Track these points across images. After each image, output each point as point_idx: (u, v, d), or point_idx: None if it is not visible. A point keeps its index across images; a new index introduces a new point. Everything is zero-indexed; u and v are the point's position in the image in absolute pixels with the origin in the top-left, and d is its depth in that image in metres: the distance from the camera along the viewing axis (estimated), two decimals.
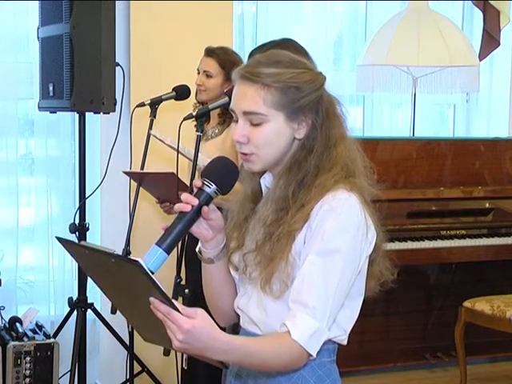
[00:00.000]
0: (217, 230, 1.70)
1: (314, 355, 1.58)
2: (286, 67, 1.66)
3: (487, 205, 4.38)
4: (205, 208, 1.62)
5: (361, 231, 1.63)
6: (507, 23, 4.88)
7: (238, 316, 1.79)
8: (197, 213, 1.62)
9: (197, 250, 1.77)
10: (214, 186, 1.63)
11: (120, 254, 1.41)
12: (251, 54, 2.84)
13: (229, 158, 1.73)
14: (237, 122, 1.69)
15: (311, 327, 1.56)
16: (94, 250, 1.48)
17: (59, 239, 1.57)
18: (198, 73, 3.46)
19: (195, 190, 1.64)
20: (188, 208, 1.61)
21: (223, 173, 1.66)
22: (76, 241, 1.44)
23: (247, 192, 1.78)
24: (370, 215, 1.67)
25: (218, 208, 1.71)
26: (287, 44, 2.75)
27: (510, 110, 5.11)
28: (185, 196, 1.62)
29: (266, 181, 1.75)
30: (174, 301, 1.43)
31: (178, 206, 1.62)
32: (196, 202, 1.61)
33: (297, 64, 1.69)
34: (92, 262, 1.56)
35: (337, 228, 1.60)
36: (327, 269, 1.58)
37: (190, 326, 1.41)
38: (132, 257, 1.39)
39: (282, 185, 1.68)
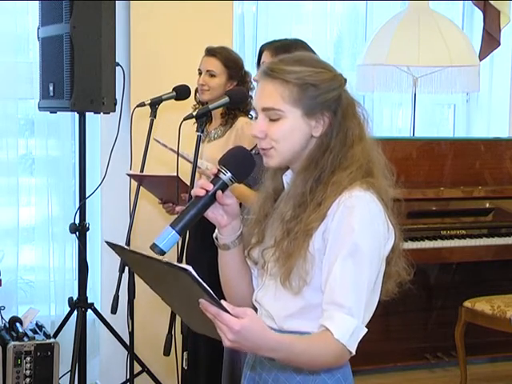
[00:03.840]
0: (232, 216, 1.75)
1: (354, 352, 1.62)
2: (306, 66, 1.71)
3: (487, 205, 4.38)
4: (219, 192, 1.68)
5: (382, 227, 1.68)
6: (507, 23, 4.88)
7: (254, 306, 1.83)
8: (211, 198, 1.69)
9: (214, 236, 1.82)
10: (230, 173, 1.69)
11: (170, 261, 1.47)
12: (262, 49, 2.86)
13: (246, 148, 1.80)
14: (257, 118, 1.75)
15: (351, 326, 1.60)
16: (145, 257, 1.53)
17: (109, 244, 1.63)
18: (200, 73, 3.46)
19: (211, 176, 1.70)
20: (202, 192, 1.67)
21: (239, 162, 1.73)
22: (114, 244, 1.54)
23: (269, 190, 1.83)
24: (388, 214, 1.71)
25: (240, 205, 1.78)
26: (298, 44, 2.76)
27: (510, 110, 5.11)
28: (201, 181, 1.69)
29: (288, 177, 1.79)
30: (222, 301, 1.46)
31: (193, 191, 1.69)
32: (210, 186, 1.68)
33: (317, 64, 1.75)
34: (142, 266, 1.63)
35: (359, 227, 1.63)
36: (356, 268, 1.62)
37: (240, 327, 1.45)
38: (180, 264, 1.45)
39: (300, 182, 1.72)
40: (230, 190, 1.72)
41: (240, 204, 1.78)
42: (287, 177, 1.79)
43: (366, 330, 1.64)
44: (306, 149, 1.73)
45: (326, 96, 1.70)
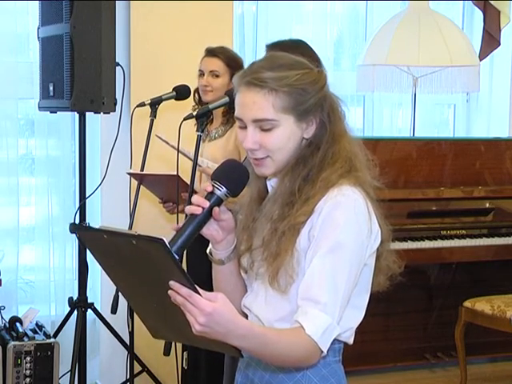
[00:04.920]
0: (227, 231, 1.72)
1: (325, 352, 1.59)
2: (290, 69, 1.67)
3: (487, 205, 4.38)
4: (216, 209, 1.64)
5: (366, 226, 1.64)
6: (507, 23, 4.88)
7: (246, 317, 1.79)
8: (207, 215, 1.64)
9: (207, 251, 1.78)
10: (225, 189, 1.65)
11: (141, 233, 1.42)
12: (268, 48, 2.84)
13: (237, 160, 1.74)
14: (243, 128, 1.70)
15: (324, 323, 1.56)
16: (113, 233, 1.48)
17: (74, 225, 1.57)
18: (202, 74, 3.44)
19: (205, 193, 1.66)
20: (199, 210, 1.63)
21: (233, 176, 1.68)
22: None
23: (253, 194, 1.79)
24: (374, 210, 1.69)
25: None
26: (301, 45, 2.77)
27: (511, 110, 5.11)
28: (196, 199, 1.64)
29: (273, 181, 1.76)
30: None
31: (188, 209, 1.63)
32: (207, 204, 1.63)
33: (298, 65, 1.70)
34: (107, 249, 1.55)
35: (343, 224, 1.61)
36: (335, 265, 1.59)
37: (212, 309, 1.41)
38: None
39: (287, 181, 1.69)
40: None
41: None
42: (272, 180, 1.75)
43: (340, 330, 1.60)
44: (298, 151, 1.70)
45: (315, 97, 1.67)
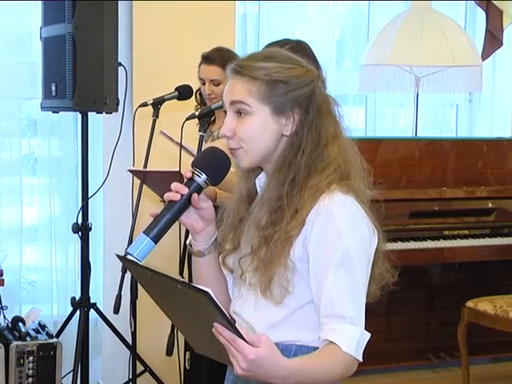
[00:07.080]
0: (207, 220, 1.68)
1: (361, 360, 1.59)
2: (277, 62, 1.65)
3: (490, 205, 4.38)
4: (195, 195, 1.61)
5: (366, 229, 1.62)
6: (510, 23, 4.88)
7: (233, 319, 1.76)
8: (186, 202, 1.61)
9: (187, 242, 1.75)
10: (205, 175, 1.62)
11: (186, 281, 1.40)
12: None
13: (222, 149, 1.70)
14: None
15: (356, 335, 1.56)
16: (158, 274, 1.45)
17: (120, 257, 1.55)
18: (203, 83, 3.42)
19: (185, 179, 1.63)
20: (177, 197, 1.60)
21: (214, 163, 1.65)
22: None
23: (242, 193, 1.75)
24: (369, 216, 1.65)
25: (215, 207, 1.70)
26: (300, 45, 2.77)
27: None
28: (174, 185, 1.61)
29: (261, 181, 1.72)
30: (238, 327, 1.40)
31: (167, 195, 1.61)
32: (185, 190, 1.60)
33: (289, 60, 1.67)
34: (153, 282, 1.54)
35: (343, 232, 1.58)
36: (350, 276, 1.58)
37: (255, 356, 1.39)
38: (199, 286, 1.38)
39: (274, 185, 1.65)
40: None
41: (216, 207, 1.71)
42: (260, 180, 1.72)
43: (369, 334, 1.60)
44: (278, 148, 1.65)
45: (297, 92, 1.62)
